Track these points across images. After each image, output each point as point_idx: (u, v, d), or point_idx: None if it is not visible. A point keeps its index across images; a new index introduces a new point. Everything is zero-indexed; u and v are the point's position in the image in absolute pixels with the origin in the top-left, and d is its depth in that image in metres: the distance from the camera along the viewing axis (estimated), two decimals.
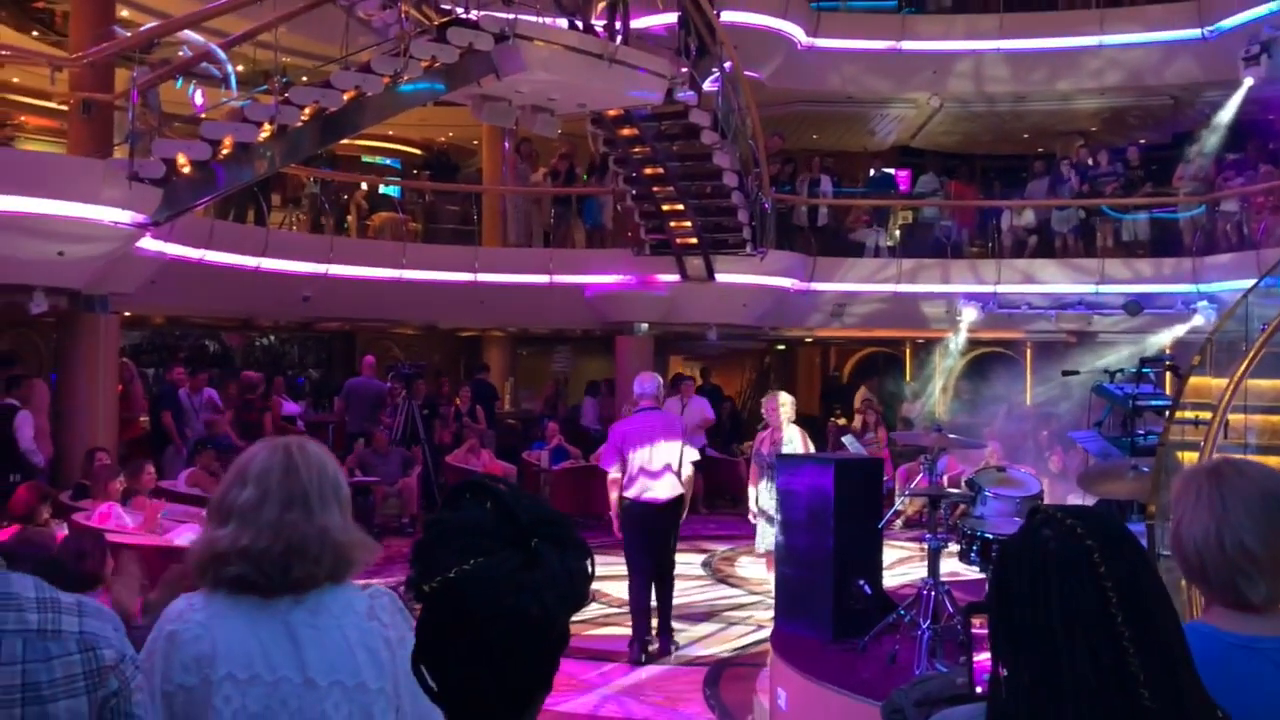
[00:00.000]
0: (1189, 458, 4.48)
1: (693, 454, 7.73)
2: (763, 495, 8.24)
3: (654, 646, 7.56)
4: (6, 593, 1.43)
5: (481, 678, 1.29)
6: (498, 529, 1.32)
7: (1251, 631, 1.86)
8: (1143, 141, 16.39)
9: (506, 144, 15.51)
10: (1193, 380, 5.30)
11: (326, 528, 2.08)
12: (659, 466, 7.40)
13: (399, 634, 2.09)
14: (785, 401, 8.39)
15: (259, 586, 2.04)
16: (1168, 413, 5.32)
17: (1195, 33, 15.09)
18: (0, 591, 1.42)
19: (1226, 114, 14.38)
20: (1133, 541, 1.51)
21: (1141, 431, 7.75)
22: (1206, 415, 4.52)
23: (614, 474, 7.45)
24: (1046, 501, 7.32)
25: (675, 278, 14.20)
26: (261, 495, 2.07)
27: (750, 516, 8.66)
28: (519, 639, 1.29)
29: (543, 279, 14.68)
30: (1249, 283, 13.07)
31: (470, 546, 1.30)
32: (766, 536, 8.10)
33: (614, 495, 7.46)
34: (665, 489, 7.42)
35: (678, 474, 7.46)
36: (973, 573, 6.03)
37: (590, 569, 1.42)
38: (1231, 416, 4.57)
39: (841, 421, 15.59)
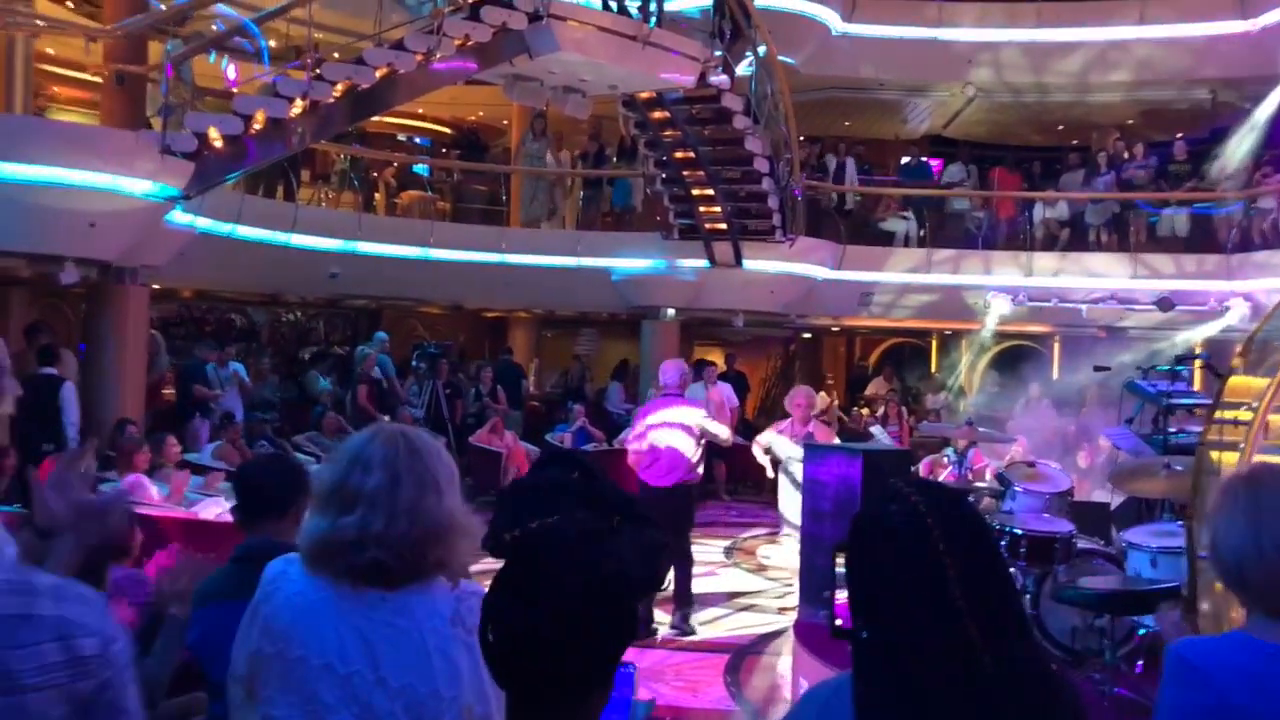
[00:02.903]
0: (1228, 458, 4.41)
1: (720, 429, 7.74)
2: (793, 464, 8.08)
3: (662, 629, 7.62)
4: None
5: (548, 644, 1.28)
6: (582, 493, 1.33)
7: None
8: (1180, 135, 16.17)
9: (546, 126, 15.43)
10: (1230, 380, 5.21)
11: (454, 511, 2.07)
12: (664, 448, 7.51)
13: None
14: (814, 399, 8.28)
15: (391, 573, 2.01)
16: (1207, 412, 5.23)
17: (1238, 25, 14.87)
18: None
19: (1267, 109, 14.17)
20: (971, 516, 1.57)
21: (1174, 429, 7.66)
22: (1246, 415, 4.45)
23: (632, 450, 7.67)
24: (1076, 498, 7.26)
25: (703, 263, 14.14)
26: (393, 479, 2.03)
27: (768, 470, 8.50)
28: (594, 601, 1.27)
29: (570, 261, 14.64)
30: None
31: (554, 504, 1.31)
32: (791, 505, 7.90)
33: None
34: (667, 472, 7.50)
35: (691, 458, 7.52)
36: None
37: (668, 550, 1.41)
38: (1271, 417, 4.49)
39: (865, 412, 15.52)
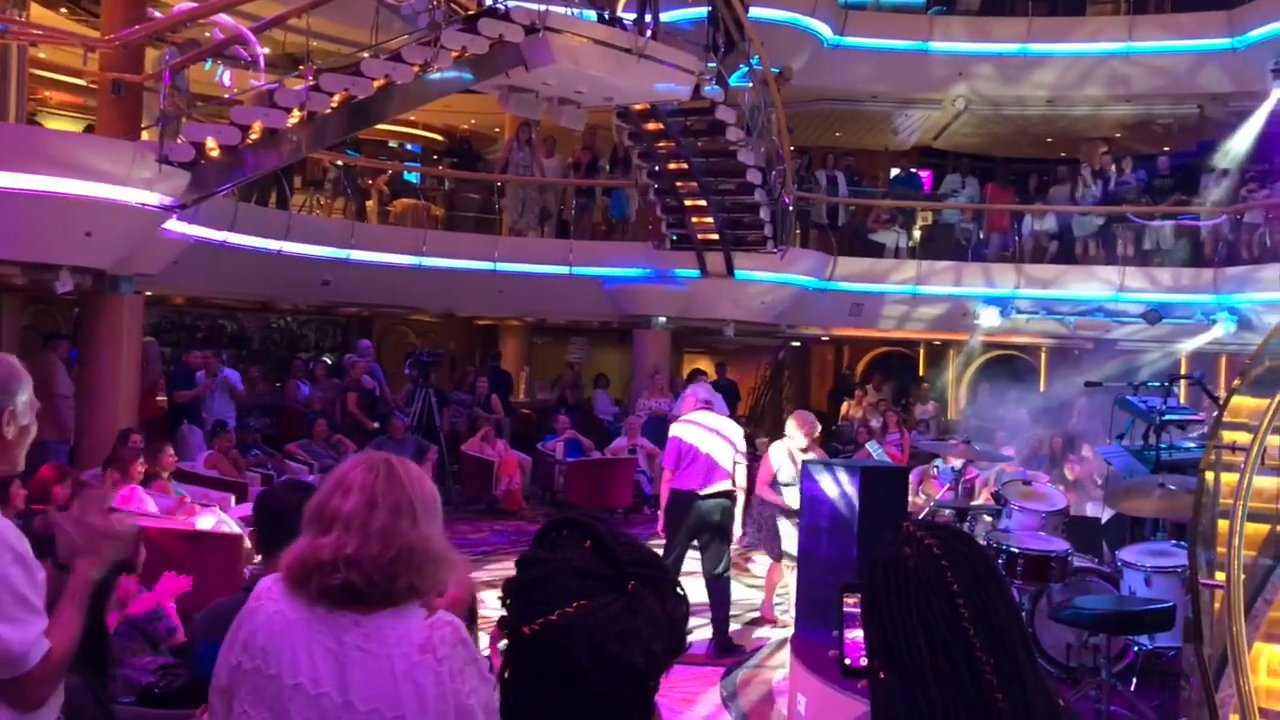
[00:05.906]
0: (1228, 480, 4.48)
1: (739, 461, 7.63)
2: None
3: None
4: None
5: None
6: (597, 570, 1.31)
7: None
8: (1167, 149, 16.33)
9: (532, 134, 15.43)
10: (1232, 400, 5.27)
11: (429, 538, 2.10)
12: (704, 453, 7.49)
13: (455, 666, 2.07)
14: (815, 426, 8.08)
15: (363, 596, 2.04)
16: (1209, 433, 5.31)
17: (1225, 42, 15.03)
18: None
19: (1253, 125, 14.32)
20: (981, 556, 1.63)
21: (1165, 444, 7.73)
22: (1245, 438, 4.51)
23: (668, 470, 7.65)
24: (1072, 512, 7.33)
25: (694, 272, 14.19)
26: (369, 503, 2.07)
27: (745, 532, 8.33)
28: (617, 687, 1.27)
29: (562, 270, 14.68)
30: (1271, 295, 13.10)
31: (570, 589, 1.29)
32: (790, 537, 7.96)
33: (664, 489, 7.64)
34: (704, 478, 7.46)
35: (728, 473, 7.49)
36: None
37: (687, 614, 1.41)
38: (1271, 439, 4.55)
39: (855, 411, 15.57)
